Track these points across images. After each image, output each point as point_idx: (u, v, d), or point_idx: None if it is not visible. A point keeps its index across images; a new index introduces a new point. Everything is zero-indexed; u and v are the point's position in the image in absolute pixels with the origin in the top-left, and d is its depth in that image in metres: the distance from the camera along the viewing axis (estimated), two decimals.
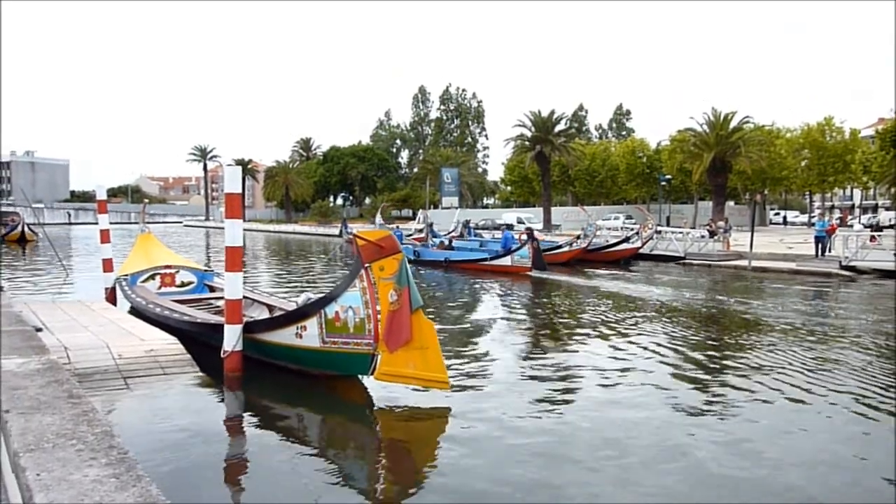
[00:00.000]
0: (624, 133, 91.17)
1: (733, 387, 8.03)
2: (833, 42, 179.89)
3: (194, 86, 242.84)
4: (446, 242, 28.66)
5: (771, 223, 63.94)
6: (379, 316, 6.81)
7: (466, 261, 24.75)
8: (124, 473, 2.33)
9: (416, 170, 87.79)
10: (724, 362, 9.42)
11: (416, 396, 7.14)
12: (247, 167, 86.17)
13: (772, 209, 72.75)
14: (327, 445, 6.37)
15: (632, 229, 31.88)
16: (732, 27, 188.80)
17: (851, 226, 41.88)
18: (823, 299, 17.19)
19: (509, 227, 45.61)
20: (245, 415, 7.20)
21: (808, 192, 63.43)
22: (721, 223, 32.20)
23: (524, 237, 22.99)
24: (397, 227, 34.11)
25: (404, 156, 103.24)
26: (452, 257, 25.56)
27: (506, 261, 22.61)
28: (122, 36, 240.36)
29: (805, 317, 13.62)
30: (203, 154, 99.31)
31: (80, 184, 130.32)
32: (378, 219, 38.98)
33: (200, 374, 7.80)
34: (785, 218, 67.25)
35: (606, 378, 8.48)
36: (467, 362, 9.34)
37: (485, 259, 23.95)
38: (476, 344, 10.99)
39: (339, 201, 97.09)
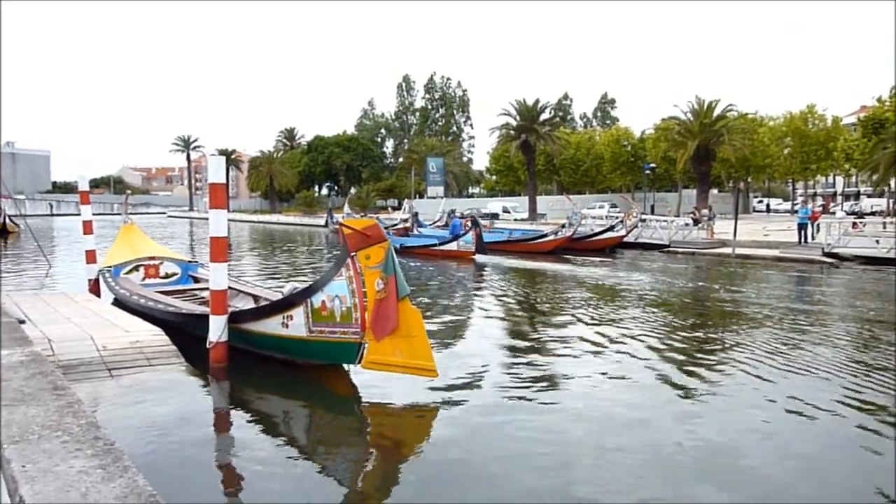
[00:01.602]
0: (609, 122, 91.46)
1: (715, 372, 8.12)
2: (832, 41, 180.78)
3: (177, 75, 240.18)
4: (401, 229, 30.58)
5: (754, 211, 64.51)
6: (366, 305, 6.81)
7: (419, 246, 26.53)
8: (111, 464, 2.32)
9: (401, 159, 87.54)
10: (705, 350, 9.52)
11: (402, 385, 7.15)
12: (230, 157, 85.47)
13: (755, 197, 73.36)
14: (314, 436, 6.38)
15: (616, 218, 32.05)
16: (721, 15, 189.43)
17: (834, 213, 42.37)
18: (806, 286, 17.38)
19: (494, 216, 46.14)
20: (231, 406, 7.18)
21: (790, 180, 63.98)
22: (705, 211, 32.45)
23: (468, 224, 24.86)
24: (363, 216, 35.39)
25: (389, 145, 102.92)
26: (407, 243, 27.29)
27: (452, 246, 24.50)
28: (104, 25, 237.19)
29: (787, 303, 13.77)
30: (186, 144, 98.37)
31: (62, 175, 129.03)
32: (346, 208, 39.62)
33: (186, 365, 7.76)
34: (768, 206, 67.89)
35: (587, 362, 8.54)
36: (450, 348, 9.36)
37: (435, 244, 25.77)
38: (455, 329, 11.02)
39: (325, 191, 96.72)
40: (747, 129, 47.72)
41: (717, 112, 45.04)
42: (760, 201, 71.68)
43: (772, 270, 20.24)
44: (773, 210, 65.81)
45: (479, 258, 23.42)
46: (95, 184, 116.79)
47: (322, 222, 51.92)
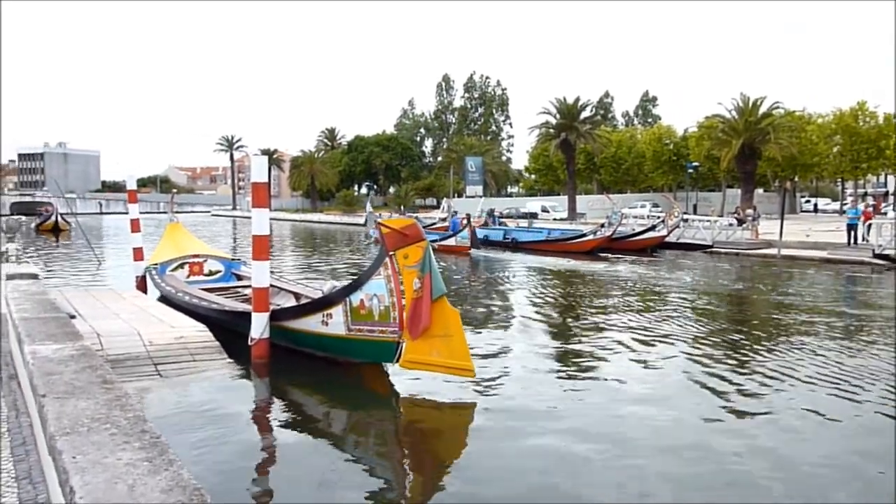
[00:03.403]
0: (650, 120, 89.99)
1: (763, 384, 7.95)
2: (883, 36, 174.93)
3: (221, 77, 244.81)
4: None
5: (802, 211, 62.78)
6: (404, 304, 6.85)
7: None
8: (156, 457, 2.38)
9: (440, 158, 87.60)
10: (749, 360, 9.31)
11: (440, 384, 7.17)
12: (273, 157, 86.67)
13: (802, 197, 71.32)
14: (353, 434, 6.44)
15: (658, 217, 31.55)
16: (767, 10, 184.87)
17: (885, 213, 40.96)
18: (855, 288, 16.85)
19: (533, 215, 45.98)
20: (272, 401, 7.31)
21: (840, 179, 62.08)
22: (750, 211, 31.73)
23: (464, 222, 26.85)
24: (380, 214, 36.51)
25: (428, 144, 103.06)
26: None
27: (451, 241, 26.18)
28: (151, 29, 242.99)
29: (834, 306, 13.39)
30: (230, 144, 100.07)
31: (111, 174, 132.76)
32: (368, 207, 40.75)
33: (228, 360, 7.93)
34: (816, 206, 65.93)
35: (624, 363, 8.45)
36: (486, 347, 9.35)
37: (435, 240, 26.97)
38: (492, 328, 10.98)
39: (364, 190, 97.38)
40: (794, 126, 46.39)
41: (762, 109, 43.91)
42: (808, 201, 69.62)
43: (819, 272, 19.68)
44: (821, 210, 63.89)
45: (474, 252, 25.88)
46: (143, 183, 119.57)
47: (361, 221, 52.22)
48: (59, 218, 43.09)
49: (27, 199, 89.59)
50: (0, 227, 16.31)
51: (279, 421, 6.64)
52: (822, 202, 68.97)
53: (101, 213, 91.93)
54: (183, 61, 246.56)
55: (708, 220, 30.80)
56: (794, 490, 4.97)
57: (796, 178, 57.05)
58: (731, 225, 29.49)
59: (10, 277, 8.76)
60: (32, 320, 5.20)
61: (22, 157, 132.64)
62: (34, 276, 9.15)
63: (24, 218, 24.88)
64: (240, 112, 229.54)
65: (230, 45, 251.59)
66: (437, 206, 64.21)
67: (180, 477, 2.21)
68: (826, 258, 22.34)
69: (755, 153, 43.61)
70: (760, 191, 56.40)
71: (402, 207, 54.63)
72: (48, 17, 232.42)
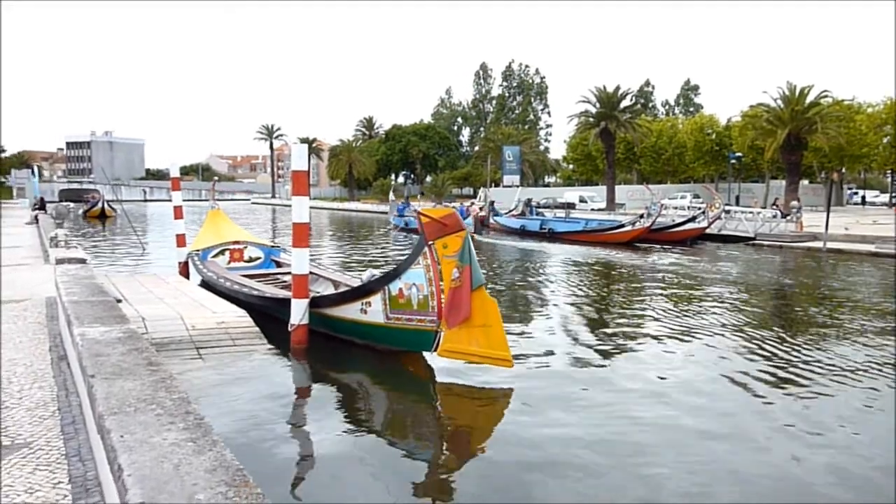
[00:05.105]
0: (692, 109, 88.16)
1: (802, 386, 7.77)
2: None
3: (262, 66, 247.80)
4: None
5: (849, 203, 60.97)
6: (443, 293, 6.85)
7: None
8: (200, 438, 2.42)
9: (477, 148, 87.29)
10: (797, 358, 9.09)
11: (477, 370, 7.16)
12: (312, 146, 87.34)
13: (849, 188, 69.22)
14: (388, 418, 6.48)
15: (699, 209, 30.97)
16: None
17: None
18: None
19: (571, 205, 45.67)
20: (310, 386, 7.40)
21: (889, 171, 60.08)
22: (794, 203, 30.96)
23: (468, 210, 30.82)
24: (402, 202, 38.20)
25: (465, 134, 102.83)
26: (412, 223, 30.58)
27: None
28: (194, 20, 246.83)
29: (880, 301, 12.99)
30: (270, 133, 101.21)
31: (155, 162, 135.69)
32: (391, 196, 41.35)
33: (268, 346, 8.05)
34: (864, 198, 63.94)
35: (661, 356, 8.32)
36: (524, 336, 9.31)
37: None
38: (528, 319, 10.93)
39: (401, 179, 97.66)
40: (843, 116, 44.87)
41: (809, 98, 42.54)
42: (855, 193, 67.54)
43: (867, 266, 19.09)
44: (869, 202, 61.92)
45: (476, 237, 26.29)
46: (185, 171, 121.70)
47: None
48: (106, 205, 44.21)
49: (75, 186, 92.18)
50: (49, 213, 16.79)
51: (317, 405, 6.71)
52: (871, 194, 66.88)
53: (145, 201, 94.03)
54: (225, 52, 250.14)
55: (750, 212, 30.14)
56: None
57: (843, 170, 55.38)
58: (774, 217, 28.81)
59: (60, 262, 9.00)
60: (81, 303, 5.34)
61: (70, 145, 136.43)
62: (82, 261, 9.38)
63: (71, 205, 25.68)
64: (280, 101, 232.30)
65: (272, 35, 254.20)
66: (475, 196, 64.05)
67: (223, 457, 2.24)
68: (874, 252, 21.67)
69: (801, 143, 42.35)
70: (806, 182, 54.88)
71: (418, 196, 56.20)
72: (95, 11, 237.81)
